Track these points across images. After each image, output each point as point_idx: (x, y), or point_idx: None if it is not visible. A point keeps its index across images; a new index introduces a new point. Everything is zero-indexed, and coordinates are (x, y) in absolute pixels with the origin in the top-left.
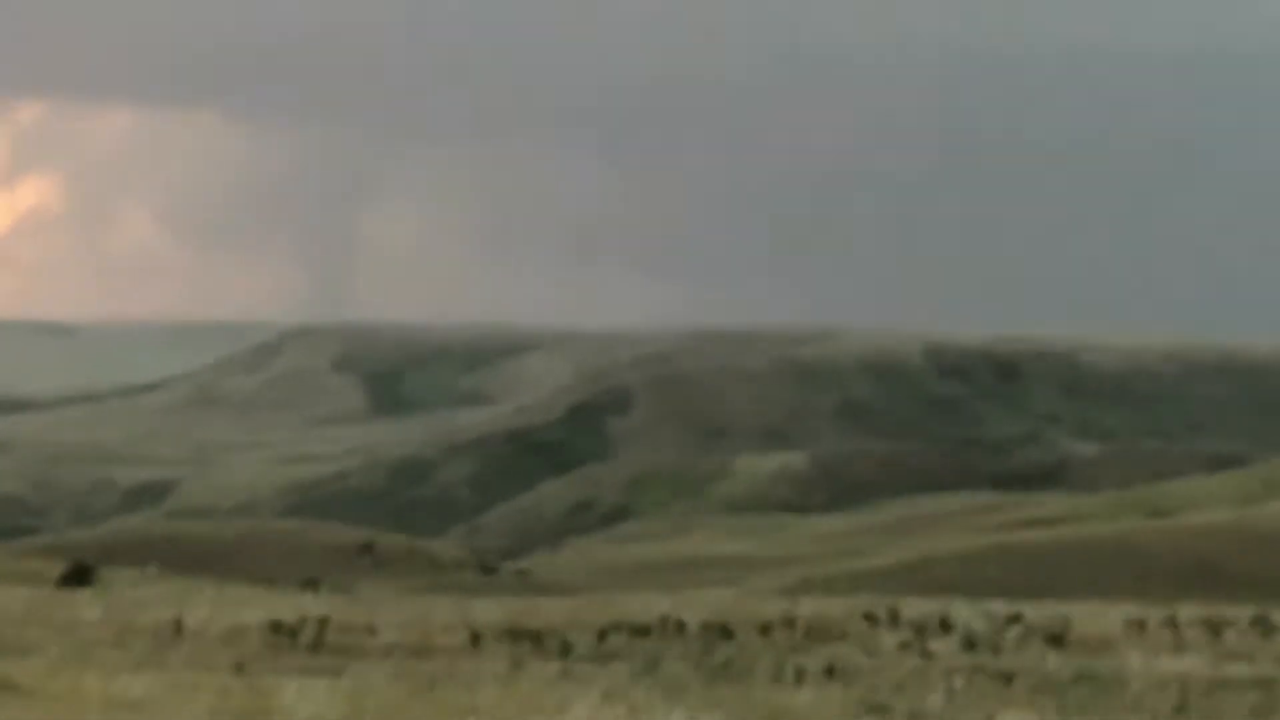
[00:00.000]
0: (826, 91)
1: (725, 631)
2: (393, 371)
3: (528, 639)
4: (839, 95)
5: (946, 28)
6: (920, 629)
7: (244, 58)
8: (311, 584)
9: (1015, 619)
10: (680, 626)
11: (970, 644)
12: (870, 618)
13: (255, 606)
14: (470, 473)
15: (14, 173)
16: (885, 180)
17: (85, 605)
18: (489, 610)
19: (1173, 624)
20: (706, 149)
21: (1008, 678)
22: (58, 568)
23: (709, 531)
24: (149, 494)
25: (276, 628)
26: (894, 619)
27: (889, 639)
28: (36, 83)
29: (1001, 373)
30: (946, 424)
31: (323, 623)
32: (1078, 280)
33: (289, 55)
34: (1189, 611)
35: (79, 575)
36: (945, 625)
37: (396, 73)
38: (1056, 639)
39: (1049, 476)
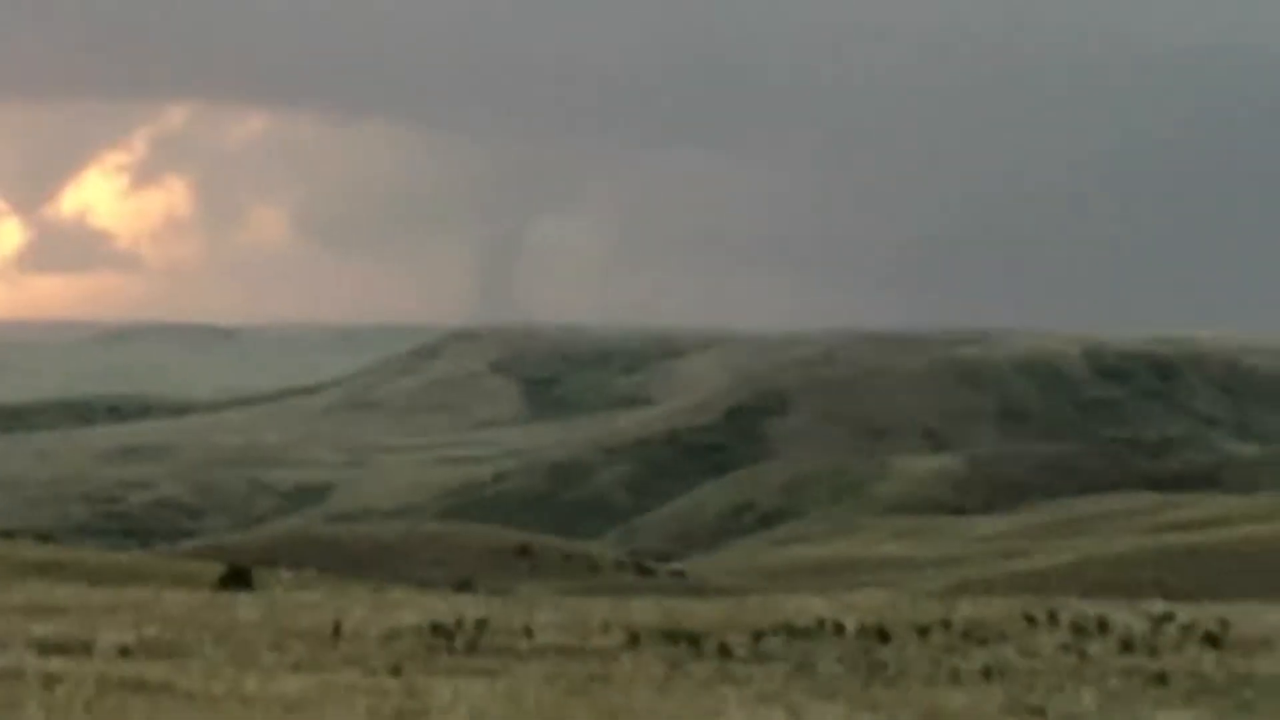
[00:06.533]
0: (986, 94)
1: (882, 633)
2: (550, 374)
3: (685, 640)
4: (999, 98)
5: (1129, 25)
6: (1079, 630)
7: (404, 63)
8: (468, 586)
9: (1173, 620)
10: (838, 628)
11: (1128, 645)
12: (1029, 619)
13: (412, 608)
14: (628, 475)
15: (153, 174)
16: (1045, 183)
17: (243, 608)
18: (646, 612)
19: None
20: (865, 153)
21: (1165, 679)
22: (216, 570)
23: (866, 533)
24: (307, 497)
25: (434, 629)
26: (1052, 620)
27: (1047, 640)
28: (182, 85)
29: (1161, 374)
30: (1105, 425)
31: (480, 624)
32: (1238, 281)
33: (455, 60)
34: None
35: (237, 578)
36: (1103, 626)
37: (561, 80)
38: (1214, 640)
39: (1208, 478)
